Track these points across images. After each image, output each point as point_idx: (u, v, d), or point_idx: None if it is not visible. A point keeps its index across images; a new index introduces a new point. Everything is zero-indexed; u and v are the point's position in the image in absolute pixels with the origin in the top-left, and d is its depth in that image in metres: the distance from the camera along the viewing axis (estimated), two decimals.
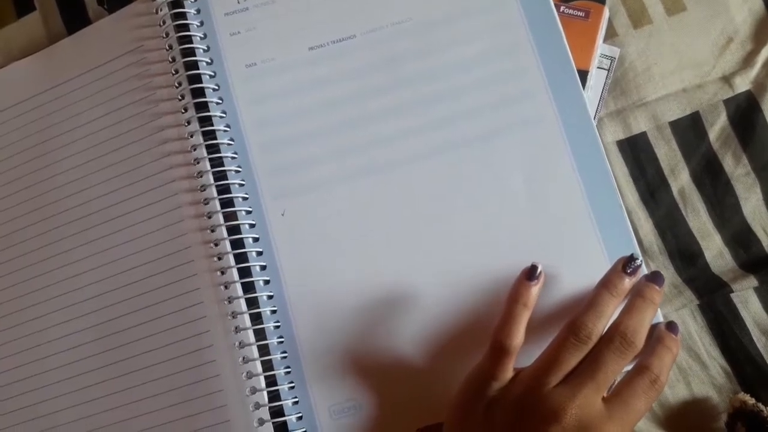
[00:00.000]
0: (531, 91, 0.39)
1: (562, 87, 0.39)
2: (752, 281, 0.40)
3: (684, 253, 0.41)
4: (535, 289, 0.34)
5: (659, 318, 0.37)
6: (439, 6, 0.40)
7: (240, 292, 0.38)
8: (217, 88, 0.40)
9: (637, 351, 0.33)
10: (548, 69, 0.39)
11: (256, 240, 0.39)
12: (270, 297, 0.38)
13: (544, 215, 0.38)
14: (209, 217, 0.39)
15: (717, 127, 0.42)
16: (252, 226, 0.39)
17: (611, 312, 0.34)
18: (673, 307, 0.40)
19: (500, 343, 0.33)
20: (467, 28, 0.40)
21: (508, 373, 0.34)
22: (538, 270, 0.35)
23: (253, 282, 0.38)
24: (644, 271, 0.36)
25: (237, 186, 0.39)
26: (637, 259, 0.35)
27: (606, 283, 0.34)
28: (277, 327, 0.38)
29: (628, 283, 0.35)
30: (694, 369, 0.40)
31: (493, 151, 0.39)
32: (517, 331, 0.33)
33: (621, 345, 0.33)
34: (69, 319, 0.41)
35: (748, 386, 0.40)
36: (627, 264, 0.35)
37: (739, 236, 0.41)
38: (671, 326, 0.35)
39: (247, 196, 0.39)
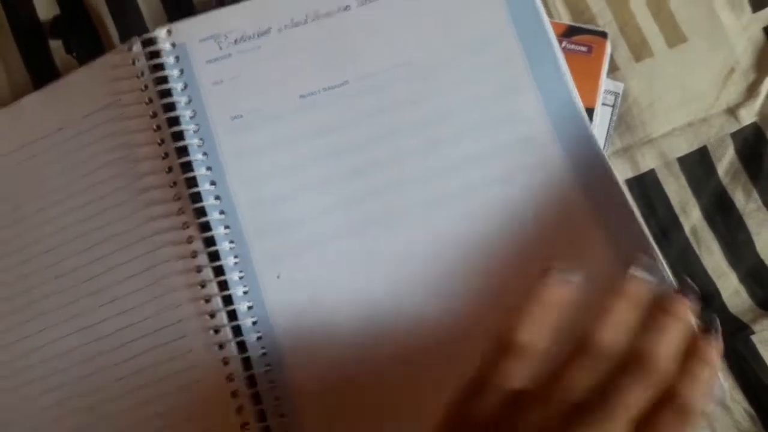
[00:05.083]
0: (535, 135, 0.37)
1: (570, 128, 0.37)
2: None
3: (700, 294, 0.40)
4: (550, 291, 0.28)
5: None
6: (437, 49, 0.37)
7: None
8: (201, 143, 0.37)
9: (662, 377, 0.27)
10: (550, 108, 0.37)
11: (250, 308, 0.36)
12: (268, 370, 0.35)
13: None
14: (203, 287, 0.36)
15: (725, 161, 0.41)
16: (245, 293, 0.36)
17: (628, 324, 0.28)
18: None
19: (500, 337, 0.27)
20: (466, 71, 0.37)
21: (502, 381, 0.27)
22: (554, 272, 0.29)
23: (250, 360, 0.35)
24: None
25: (228, 250, 0.36)
26: (652, 258, 0.29)
27: (618, 290, 0.28)
28: (278, 403, 0.35)
29: (646, 290, 0.29)
30: (717, 414, 0.39)
31: (501, 198, 0.36)
32: (525, 324, 0.27)
33: (637, 370, 0.26)
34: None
35: None
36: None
37: (753, 273, 0.40)
38: (708, 328, 0.29)
39: (237, 260, 0.36)
